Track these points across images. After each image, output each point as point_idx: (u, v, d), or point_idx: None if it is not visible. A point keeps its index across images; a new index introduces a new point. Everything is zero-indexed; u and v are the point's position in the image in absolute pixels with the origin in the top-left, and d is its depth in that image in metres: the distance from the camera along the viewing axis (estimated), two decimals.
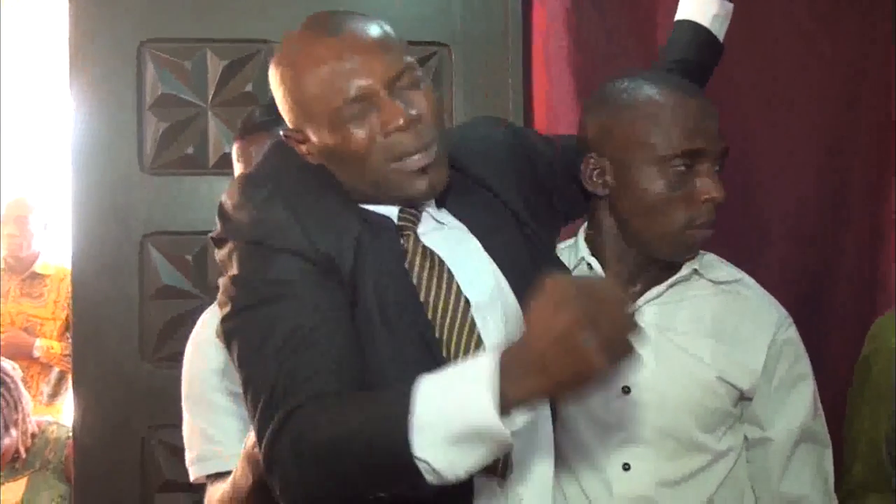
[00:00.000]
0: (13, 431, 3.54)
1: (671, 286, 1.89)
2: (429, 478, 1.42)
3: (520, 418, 1.40)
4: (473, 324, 1.66)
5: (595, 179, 1.88)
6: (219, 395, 2.02)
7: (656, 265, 1.90)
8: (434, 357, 1.61)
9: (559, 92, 2.81)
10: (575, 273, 1.93)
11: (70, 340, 4.51)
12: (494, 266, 1.74)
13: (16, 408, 3.55)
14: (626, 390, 1.85)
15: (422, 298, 1.65)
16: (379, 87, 1.60)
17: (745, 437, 1.92)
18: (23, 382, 3.73)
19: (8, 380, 3.57)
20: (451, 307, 1.66)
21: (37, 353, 4.53)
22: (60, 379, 4.63)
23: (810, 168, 2.79)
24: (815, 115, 2.78)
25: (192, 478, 2.05)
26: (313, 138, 1.66)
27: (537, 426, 1.73)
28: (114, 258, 2.79)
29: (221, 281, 1.66)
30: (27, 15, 5.35)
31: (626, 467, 1.85)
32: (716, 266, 1.94)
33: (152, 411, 2.75)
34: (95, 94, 2.79)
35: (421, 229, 1.71)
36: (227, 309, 1.62)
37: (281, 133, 1.72)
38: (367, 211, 1.69)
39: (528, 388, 1.37)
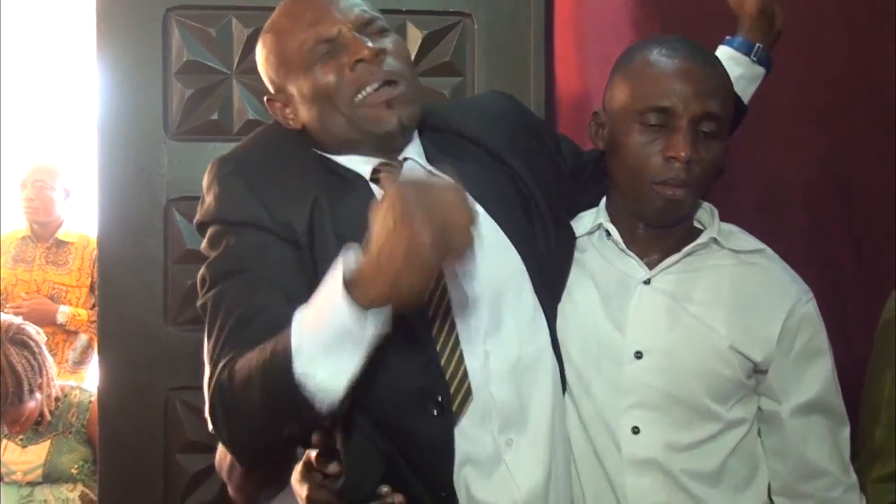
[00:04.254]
0: (37, 395, 3.59)
1: (687, 255, 1.91)
2: (318, 397, 1.51)
3: (379, 316, 1.49)
4: (441, 280, 1.74)
5: (596, 134, 1.94)
6: None
7: (673, 233, 1.92)
8: None
9: (592, 63, 2.82)
10: (587, 236, 1.96)
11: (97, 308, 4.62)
12: (485, 222, 1.77)
13: (40, 371, 3.60)
14: (639, 355, 1.88)
15: None
16: (346, 29, 1.78)
17: (760, 409, 1.94)
18: (48, 348, 3.77)
19: (32, 344, 3.61)
20: None
21: (61, 319, 4.58)
22: (87, 347, 4.69)
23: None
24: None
25: (210, 427, 2.08)
26: (291, 91, 1.82)
27: (536, 372, 1.82)
28: (139, 223, 2.82)
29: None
30: None
31: (636, 430, 1.87)
32: (737, 236, 1.96)
33: (175, 373, 2.78)
34: (121, 61, 2.80)
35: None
36: (202, 288, 1.79)
37: (265, 99, 1.89)
38: (339, 168, 1.82)
39: (378, 296, 1.47)
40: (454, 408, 1.72)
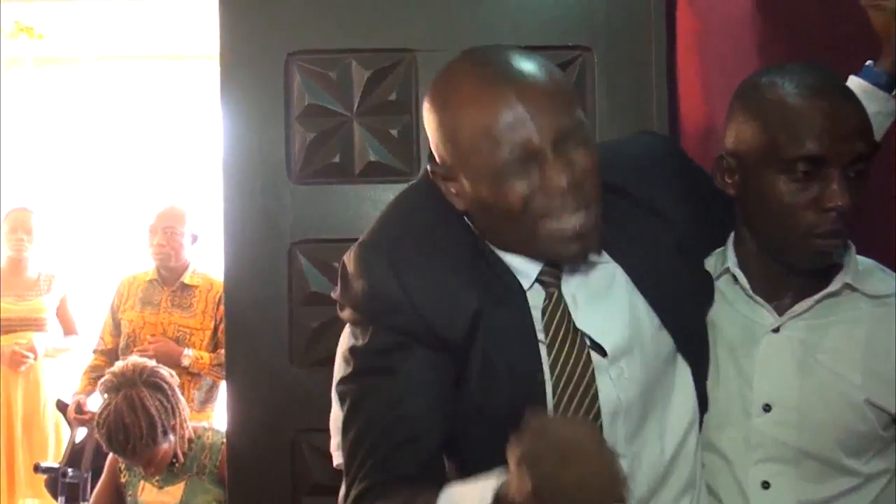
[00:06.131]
0: (171, 436, 3.64)
1: (819, 301, 1.79)
2: None
3: None
4: (592, 385, 1.65)
5: (725, 179, 1.81)
6: None
7: (804, 275, 1.80)
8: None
9: (717, 94, 2.74)
10: (718, 282, 1.88)
11: (218, 350, 4.69)
12: (640, 307, 1.71)
13: (174, 413, 3.65)
14: (767, 408, 1.77)
15: (547, 362, 1.64)
16: (547, 146, 1.53)
17: None
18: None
19: (166, 386, 3.67)
20: (573, 368, 1.65)
21: (185, 362, 4.66)
22: (211, 387, 4.77)
23: None
24: None
25: (334, 463, 2.11)
26: (465, 185, 1.60)
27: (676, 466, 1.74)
28: (264, 266, 2.86)
29: (345, 339, 1.76)
30: (179, 29, 5.53)
31: (766, 485, 1.77)
32: (874, 276, 1.82)
33: (301, 415, 2.80)
34: (245, 106, 2.86)
35: (564, 276, 1.69)
36: (346, 372, 1.69)
37: (427, 168, 1.67)
38: (500, 268, 1.66)
39: None
40: None
